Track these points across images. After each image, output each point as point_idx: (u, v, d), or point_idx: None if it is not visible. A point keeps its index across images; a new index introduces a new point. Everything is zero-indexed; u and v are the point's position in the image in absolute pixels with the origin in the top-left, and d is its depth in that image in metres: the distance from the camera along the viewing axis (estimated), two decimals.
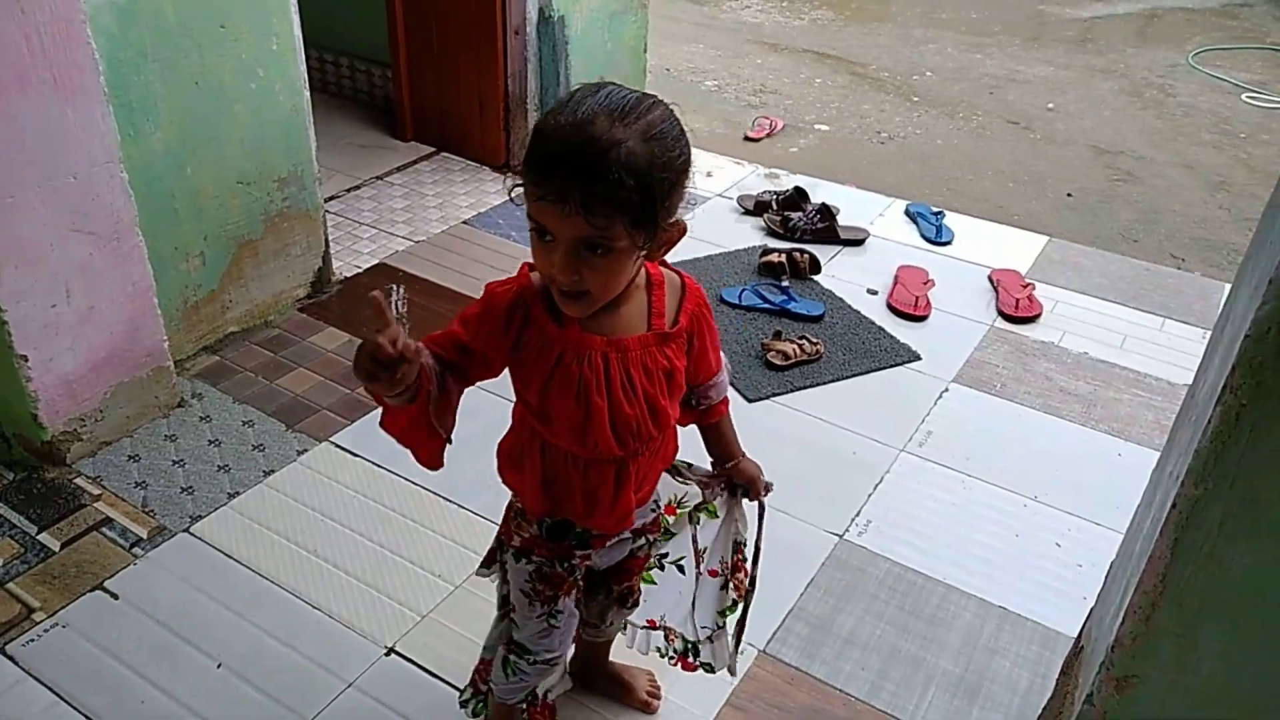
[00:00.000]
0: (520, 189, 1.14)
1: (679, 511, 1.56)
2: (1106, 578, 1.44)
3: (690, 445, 1.53)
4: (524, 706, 1.55)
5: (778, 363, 2.74)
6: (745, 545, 1.59)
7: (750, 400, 2.63)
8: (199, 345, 2.70)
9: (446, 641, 1.88)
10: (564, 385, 1.23)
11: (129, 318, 2.31)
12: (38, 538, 2.09)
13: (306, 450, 2.36)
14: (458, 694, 1.67)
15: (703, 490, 1.55)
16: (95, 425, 2.32)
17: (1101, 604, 1.37)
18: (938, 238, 3.50)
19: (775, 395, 2.65)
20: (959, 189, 4.37)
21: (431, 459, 1.29)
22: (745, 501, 1.58)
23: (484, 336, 1.24)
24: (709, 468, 1.57)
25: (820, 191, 3.78)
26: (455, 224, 3.38)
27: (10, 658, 1.83)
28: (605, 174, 1.05)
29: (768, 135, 4.90)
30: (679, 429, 1.43)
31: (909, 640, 1.96)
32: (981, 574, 2.12)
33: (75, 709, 1.74)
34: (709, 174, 3.99)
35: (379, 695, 1.78)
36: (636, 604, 1.61)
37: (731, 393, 2.63)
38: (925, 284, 3.16)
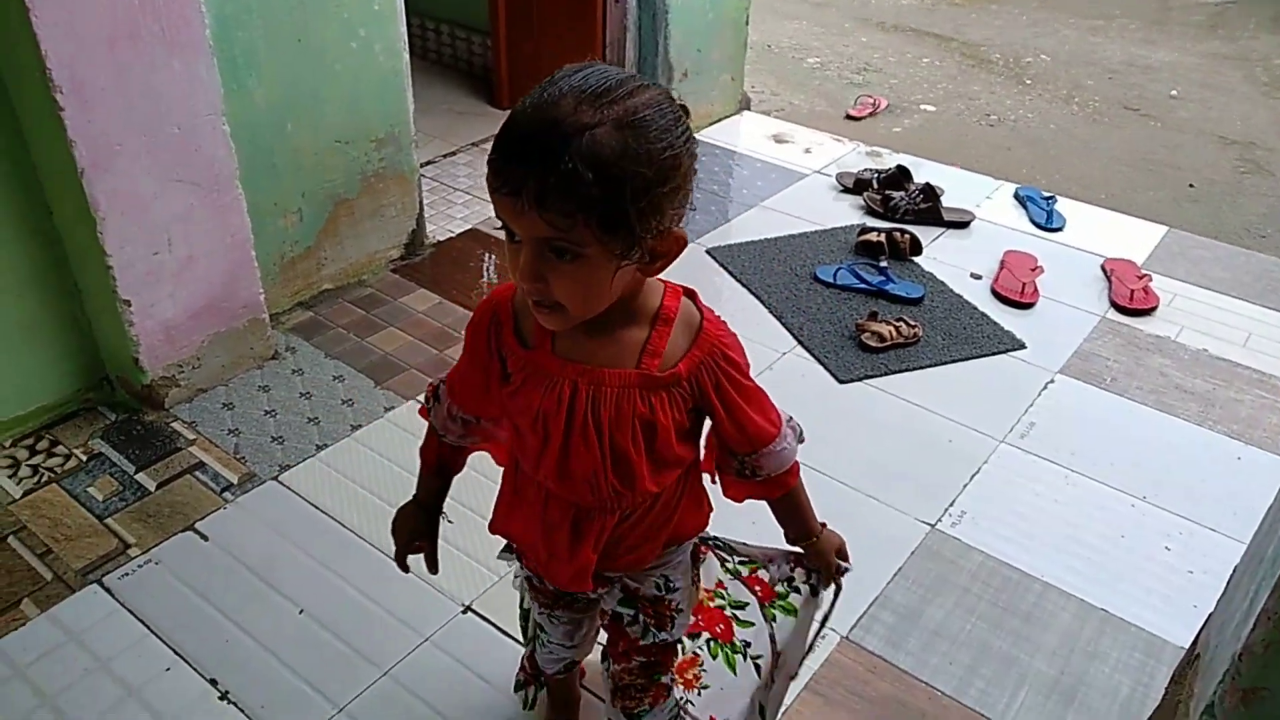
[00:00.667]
0: None
1: (730, 610, 1.40)
2: (1229, 582, 1.33)
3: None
4: (562, 674, 1.53)
5: (873, 344, 2.64)
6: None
7: (842, 381, 2.55)
8: (294, 300, 2.74)
9: None
10: (524, 408, 1.11)
11: (227, 269, 2.35)
12: (135, 477, 2.15)
13: (394, 407, 2.37)
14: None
15: (768, 568, 1.38)
16: (192, 372, 2.37)
17: (1223, 609, 1.27)
18: (1048, 223, 3.34)
19: (868, 378, 2.56)
20: (1072, 175, 4.17)
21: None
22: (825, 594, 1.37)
23: (473, 389, 1.20)
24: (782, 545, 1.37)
25: (924, 171, 3.64)
26: None
27: (107, 589, 1.88)
28: (559, 164, 0.89)
29: (870, 114, 4.76)
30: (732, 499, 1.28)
31: (1001, 637, 1.87)
32: (1083, 574, 2.01)
33: (163, 642, 1.78)
34: (807, 150, 3.88)
35: (454, 651, 1.78)
36: (634, 714, 1.37)
37: (822, 373, 2.59)
38: (1033, 270, 3.01)
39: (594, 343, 1.08)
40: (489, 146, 0.97)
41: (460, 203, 3.33)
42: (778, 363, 2.62)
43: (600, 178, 0.89)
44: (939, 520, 2.13)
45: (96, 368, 2.36)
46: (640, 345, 1.08)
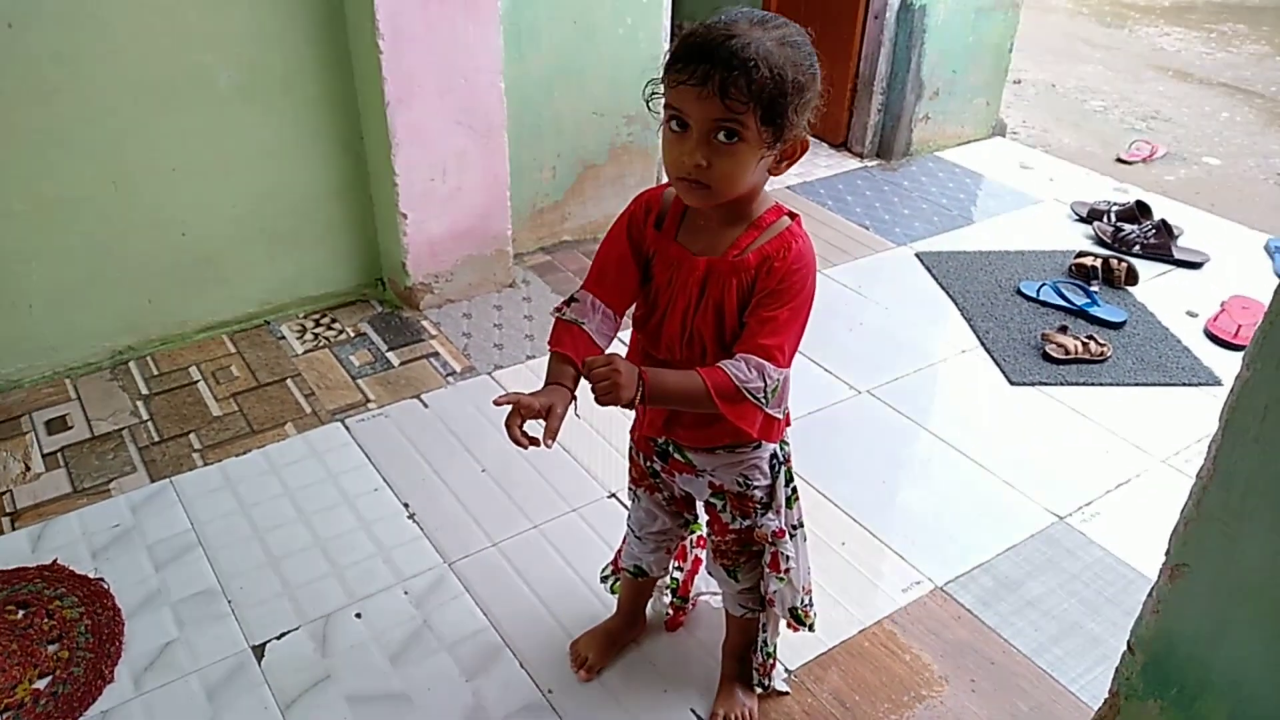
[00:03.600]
0: (656, 92, 1.24)
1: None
2: None
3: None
4: (632, 575, 1.74)
5: (1055, 355, 2.69)
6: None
7: (1013, 383, 2.63)
8: (537, 245, 3.21)
9: None
10: (653, 282, 1.36)
11: (485, 204, 2.84)
12: (386, 354, 2.67)
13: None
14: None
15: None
16: (445, 284, 2.88)
17: None
18: None
19: (1042, 384, 2.62)
20: None
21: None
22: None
23: (613, 279, 1.36)
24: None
25: (1170, 212, 3.55)
26: (779, 186, 3.64)
27: (346, 427, 2.39)
28: (745, 61, 1.13)
29: (1144, 160, 4.61)
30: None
31: (1096, 621, 1.92)
32: None
33: (377, 470, 2.25)
34: (1050, 179, 3.89)
35: (593, 523, 2.11)
36: (730, 572, 1.59)
37: (995, 373, 2.68)
38: (1256, 316, 2.90)
39: (704, 236, 1.32)
40: None
41: None
42: (954, 358, 2.74)
43: (773, 74, 1.15)
44: (1069, 515, 2.19)
45: (374, 268, 2.93)
46: (732, 240, 1.31)
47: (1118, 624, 1.92)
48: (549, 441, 1.20)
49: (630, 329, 1.47)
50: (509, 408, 1.23)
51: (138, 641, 1.82)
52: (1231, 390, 0.93)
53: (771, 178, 1.31)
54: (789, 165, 1.28)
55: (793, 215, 1.34)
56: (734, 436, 1.42)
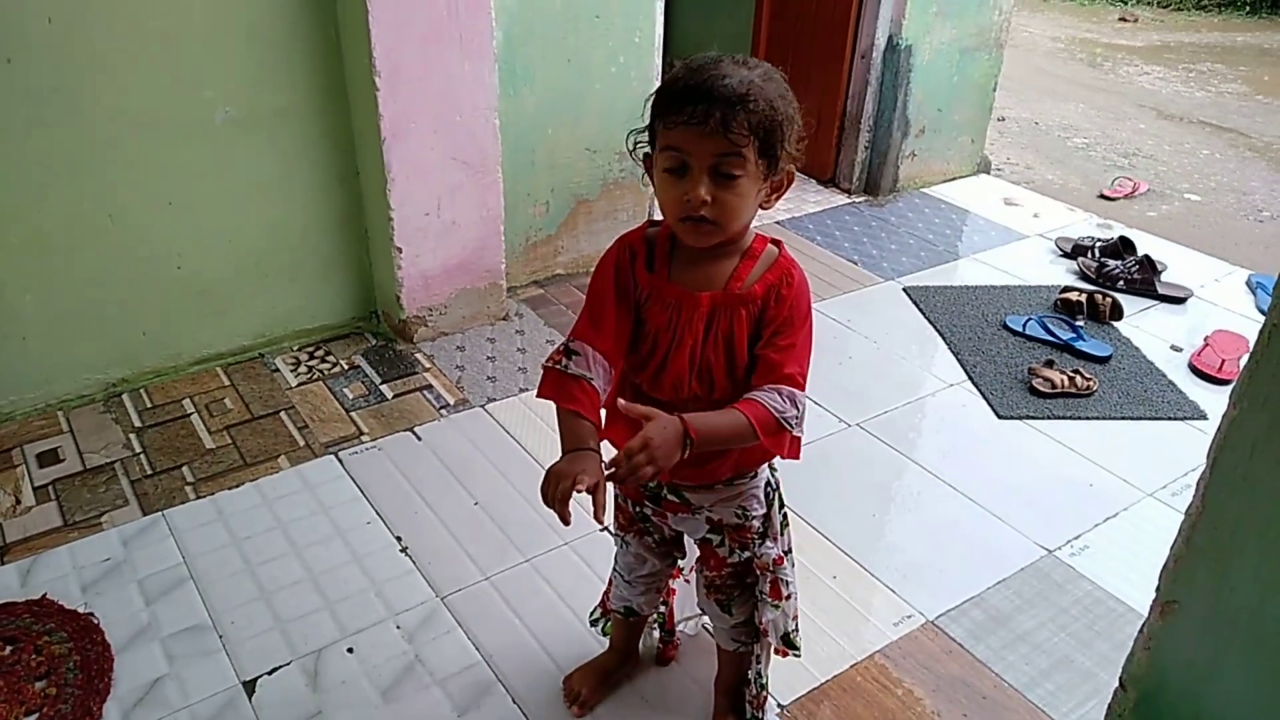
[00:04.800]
0: (640, 143, 1.29)
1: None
2: None
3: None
4: (622, 616, 1.75)
5: (1043, 389, 2.72)
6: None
7: (1000, 417, 2.66)
8: (530, 278, 3.23)
9: None
10: (648, 324, 1.36)
11: (479, 238, 2.86)
12: (379, 387, 2.68)
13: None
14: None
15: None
16: (439, 317, 2.90)
17: None
18: None
19: (1029, 418, 2.65)
20: None
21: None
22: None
23: (608, 329, 1.34)
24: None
25: (1153, 248, 3.61)
26: (768, 222, 3.68)
27: (339, 460, 2.40)
28: (743, 96, 1.19)
29: (1126, 196, 4.69)
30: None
31: (1087, 655, 1.93)
32: None
33: (370, 503, 2.25)
34: (1035, 215, 3.95)
35: (585, 557, 2.11)
36: (725, 607, 1.60)
37: (982, 407, 2.71)
38: (1239, 351, 2.94)
39: (699, 271, 1.34)
40: None
41: None
42: (941, 392, 2.77)
43: (768, 107, 1.21)
44: (1059, 548, 2.21)
45: (368, 301, 2.95)
46: (730, 272, 1.34)
47: (1108, 658, 1.93)
48: (601, 517, 1.20)
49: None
50: (572, 488, 1.21)
51: (127, 678, 1.81)
52: (1219, 428, 0.95)
53: (761, 211, 1.34)
54: (778, 197, 1.32)
55: (777, 243, 1.39)
56: (736, 468, 1.44)
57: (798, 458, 1.41)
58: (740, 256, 1.35)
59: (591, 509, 1.20)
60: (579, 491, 1.20)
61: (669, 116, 1.22)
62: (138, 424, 2.50)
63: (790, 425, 1.30)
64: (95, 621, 1.91)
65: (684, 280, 1.35)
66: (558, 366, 1.34)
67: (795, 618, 1.61)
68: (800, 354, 1.33)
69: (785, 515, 1.57)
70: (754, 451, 1.40)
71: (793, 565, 1.60)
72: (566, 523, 1.21)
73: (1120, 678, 1.15)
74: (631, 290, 1.38)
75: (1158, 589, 1.08)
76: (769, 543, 1.53)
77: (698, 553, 1.62)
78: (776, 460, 1.51)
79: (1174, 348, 3.02)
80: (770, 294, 1.32)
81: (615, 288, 1.37)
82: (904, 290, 3.29)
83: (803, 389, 1.33)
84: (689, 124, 1.20)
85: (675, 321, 1.34)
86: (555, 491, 1.23)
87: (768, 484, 1.52)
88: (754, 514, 1.50)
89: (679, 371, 1.36)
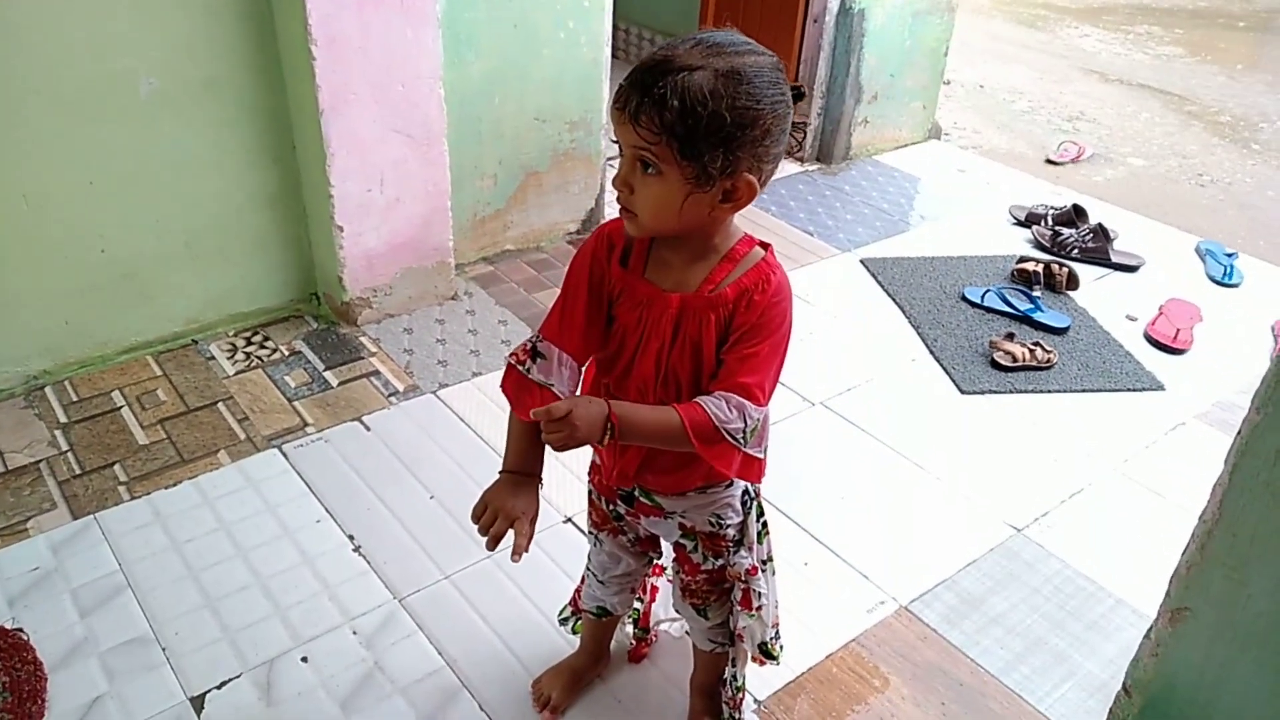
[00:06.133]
0: None
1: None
2: None
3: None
4: (594, 616, 1.68)
5: (1004, 363, 2.70)
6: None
7: (964, 392, 2.63)
8: (480, 255, 3.11)
9: None
10: (619, 321, 1.28)
11: (425, 214, 2.73)
12: (323, 374, 2.55)
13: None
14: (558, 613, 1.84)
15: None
16: (384, 298, 2.77)
17: None
18: (1225, 278, 3.25)
19: (992, 392, 2.63)
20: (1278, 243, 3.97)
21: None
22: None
23: (578, 328, 1.27)
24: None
25: (1105, 215, 3.61)
26: None
27: (284, 454, 2.27)
28: (658, 91, 1.06)
29: (1073, 161, 4.70)
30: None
31: (1060, 636, 1.92)
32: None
33: (318, 500, 2.14)
34: (987, 183, 3.93)
35: (550, 551, 2.03)
36: (700, 611, 1.54)
37: (945, 382, 2.68)
38: (1192, 319, 2.96)
39: (673, 271, 1.24)
40: None
41: None
42: (904, 367, 2.73)
43: (684, 109, 1.06)
44: (1026, 527, 2.19)
45: (309, 283, 2.80)
46: (705, 274, 1.23)
47: (1080, 639, 1.92)
48: (516, 559, 1.23)
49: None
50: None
51: (63, 698, 1.69)
52: (1239, 433, 0.90)
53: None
54: (733, 209, 1.17)
55: (765, 246, 1.28)
56: (707, 478, 1.36)
57: (756, 480, 1.33)
58: (719, 259, 1.24)
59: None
60: (516, 540, 1.24)
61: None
62: (63, 419, 2.34)
63: (734, 438, 1.19)
64: (24, 638, 1.78)
65: (657, 279, 1.25)
66: (520, 367, 1.28)
67: (775, 626, 1.55)
68: (760, 364, 1.21)
69: (765, 524, 1.50)
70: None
71: (772, 573, 1.53)
72: (491, 549, 1.25)
73: (1124, 683, 1.11)
74: (605, 285, 1.29)
75: (1167, 595, 1.03)
76: (743, 551, 1.46)
77: (674, 553, 1.56)
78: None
79: (1129, 317, 3.03)
80: (742, 298, 1.21)
81: (589, 281, 1.28)
82: (861, 262, 3.24)
83: (759, 403, 1.21)
84: (615, 105, 1.12)
85: (644, 320, 1.26)
86: (490, 527, 1.25)
87: (745, 492, 1.44)
88: (728, 522, 1.43)
89: (644, 375, 1.28)
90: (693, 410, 1.19)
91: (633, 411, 1.19)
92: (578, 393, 1.32)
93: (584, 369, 1.33)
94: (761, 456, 1.26)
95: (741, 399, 1.19)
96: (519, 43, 2.85)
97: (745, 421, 1.20)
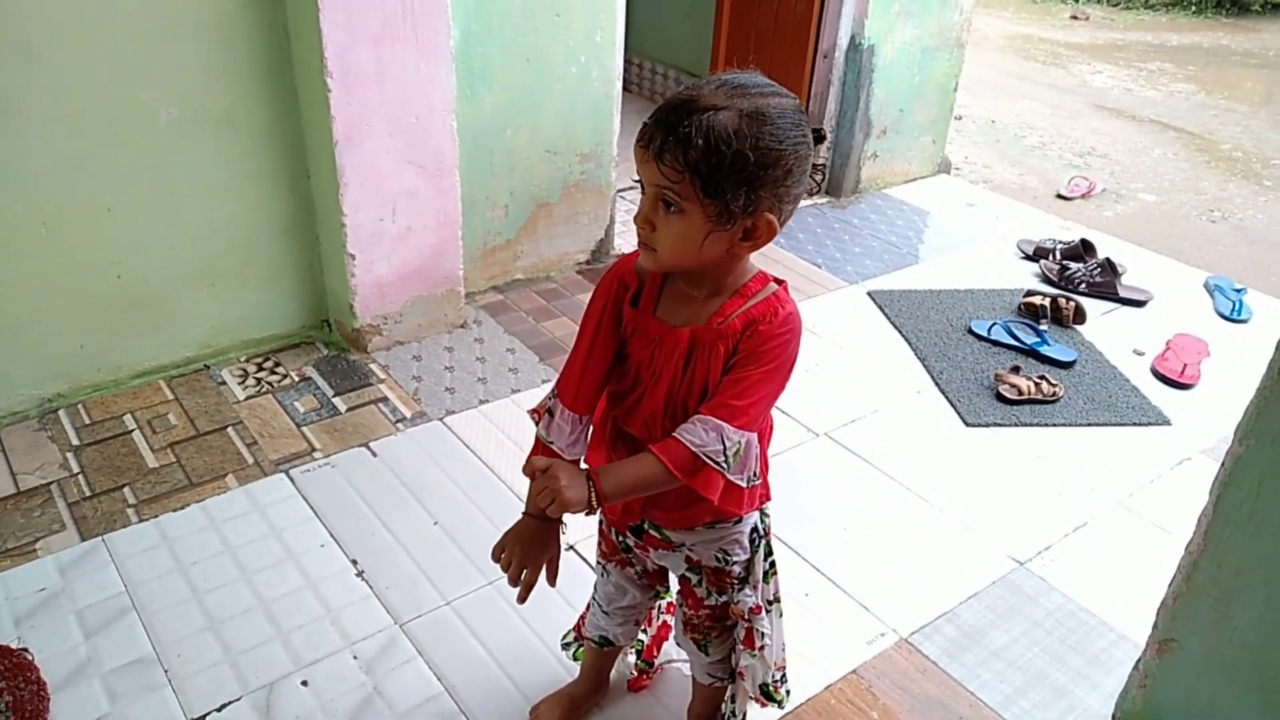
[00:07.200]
0: None
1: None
2: None
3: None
4: (596, 645, 1.68)
5: (1009, 396, 2.70)
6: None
7: (969, 425, 2.63)
8: (489, 284, 3.15)
9: None
10: (631, 360, 1.30)
11: (436, 244, 2.77)
12: (332, 400, 2.58)
13: (550, 380, 2.70)
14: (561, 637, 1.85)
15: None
16: (394, 325, 2.80)
17: None
18: (1234, 314, 3.24)
19: (997, 425, 2.63)
20: None
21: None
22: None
23: (590, 378, 1.32)
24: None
25: (1113, 250, 3.62)
26: None
27: (291, 478, 2.30)
28: (683, 131, 1.08)
29: (1083, 196, 4.72)
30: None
31: (1061, 671, 1.91)
32: None
33: (323, 525, 2.16)
34: (996, 217, 3.94)
35: None
36: (701, 646, 1.55)
37: (950, 415, 2.68)
38: (1200, 354, 2.95)
39: (685, 308, 1.25)
40: None
41: None
42: (910, 399, 2.74)
43: (708, 147, 1.08)
44: (1029, 560, 2.18)
45: (320, 310, 2.84)
46: (716, 309, 1.24)
47: (1081, 673, 1.91)
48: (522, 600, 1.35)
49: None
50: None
51: (65, 718, 1.70)
52: (1223, 464, 0.91)
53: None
54: (752, 247, 1.18)
55: (779, 281, 1.28)
56: (715, 514, 1.37)
57: (740, 511, 1.34)
58: (731, 294, 1.25)
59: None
60: (528, 577, 1.34)
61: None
62: (75, 442, 2.38)
63: (716, 463, 1.19)
64: (29, 658, 1.80)
65: (667, 316, 1.27)
66: (539, 429, 1.37)
67: (780, 668, 1.54)
68: (749, 389, 1.20)
69: (772, 564, 1.50)
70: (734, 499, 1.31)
71: (779, 614, 1.53)
72: (522, 601, 1.36)
73: (1114, 714, 1.11)
74: (617, 328, 1.32)
75: (1155, 626, 1.04)
76: (748, 590, 1.46)
77: (679, 586, 1.56)
78: (769, 504, 1.46)
79: (1136, 351, 3.02)
80: (749, 327, 1.21)
81: (599, 326, 1.31)
82: (869, 294, 3.26)
83: (742, 427, 1.19)
84: (638, 144, 1.14)
85: (655, 357, 1.27)
86: (516, 574, 1.34)
87: (754, 529, 1.45)
88: (735, 559, 1.44)
89: (653, 409, 1.29)
90: (669, 448, 1.20)
91: (613, 476, 1.21)
92: (584, 444, 1.39)
93: (588, 420, 1.37)
94: (744, 486, 1.24)
95: (719, 420, 1.19)
96: (532, 77, 2.90)
97: (724, 443, 1.19)
